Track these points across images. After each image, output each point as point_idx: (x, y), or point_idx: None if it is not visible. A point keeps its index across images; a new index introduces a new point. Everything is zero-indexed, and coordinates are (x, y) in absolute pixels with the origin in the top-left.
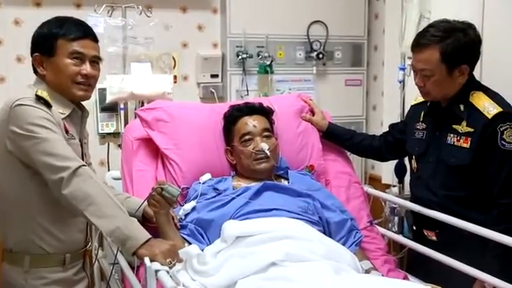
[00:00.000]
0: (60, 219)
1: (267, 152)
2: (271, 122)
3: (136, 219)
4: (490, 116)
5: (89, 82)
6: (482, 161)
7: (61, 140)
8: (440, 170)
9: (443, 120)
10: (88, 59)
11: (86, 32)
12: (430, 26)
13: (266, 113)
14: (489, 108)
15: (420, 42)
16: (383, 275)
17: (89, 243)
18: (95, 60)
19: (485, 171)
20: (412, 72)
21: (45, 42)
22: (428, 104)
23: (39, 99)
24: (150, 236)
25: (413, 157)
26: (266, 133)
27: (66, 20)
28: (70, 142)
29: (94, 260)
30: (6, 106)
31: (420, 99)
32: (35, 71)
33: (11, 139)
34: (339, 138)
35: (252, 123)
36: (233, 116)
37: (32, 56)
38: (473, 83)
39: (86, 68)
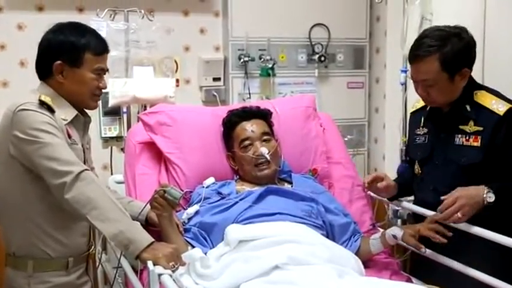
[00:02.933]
0: (62, 224)
1: (267, 157)
2: (270, 125)
3: (139, 223)
4: (501, 113)
5: (101, 93)
6: (494, 158)
7: (64, 145)
8: (448, 171)
9: (448, 122)
10: (104, 73)
11: (106, 47)
12: (424, 36)
13: (264, 115)
14: (497, 105)
15: (418, 54)
16: None
17: (92, 247)
18: (106, 72)
19: (498, 168)
20: (412, 82)
21: (72, 53)
22: (428, 108)
23: (42, 104)
24: (153, 240)
25: (416, 162)
26: (265, 137)
27: (85, 29)
28: (72, 147)
29: (97, 264)
30: (9, 111)
31: (418, 105)
32: (40, 75)
33: (13, 144)
34: (400, 191)
35: (250, 128)
36: (231, 122)
37: (53, 62)
38: (474, 83)
39: (104, 82)
